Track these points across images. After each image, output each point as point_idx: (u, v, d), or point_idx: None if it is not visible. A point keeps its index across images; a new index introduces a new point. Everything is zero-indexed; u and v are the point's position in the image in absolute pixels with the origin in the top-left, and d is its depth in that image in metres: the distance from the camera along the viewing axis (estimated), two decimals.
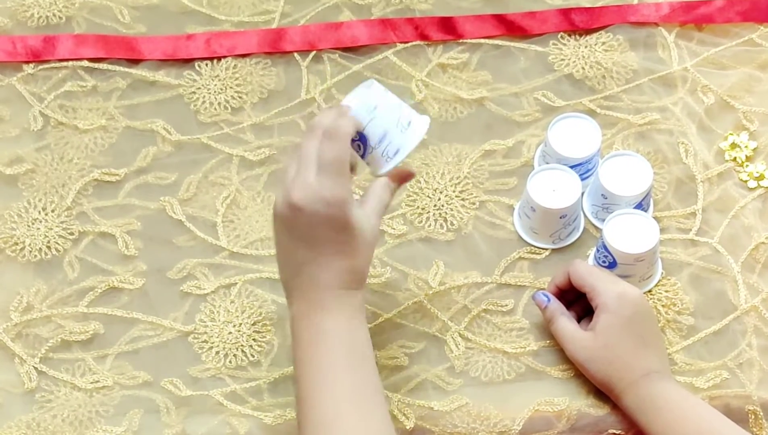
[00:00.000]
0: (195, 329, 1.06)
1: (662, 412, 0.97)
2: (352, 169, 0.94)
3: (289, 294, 0.94)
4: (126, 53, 1.21)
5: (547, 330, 1.05)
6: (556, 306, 1.04)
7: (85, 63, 1.20)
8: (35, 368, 1.04)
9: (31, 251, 1.10)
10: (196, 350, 1.05)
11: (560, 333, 1.03)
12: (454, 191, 1.14)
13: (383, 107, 0.94)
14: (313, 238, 0.91)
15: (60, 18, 1.24)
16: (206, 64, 1.21)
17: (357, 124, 0.93)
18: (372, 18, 1.24)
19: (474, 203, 1.13)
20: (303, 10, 1.25)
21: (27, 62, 1.21)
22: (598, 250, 1.06)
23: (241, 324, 1.06)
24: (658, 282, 1.08)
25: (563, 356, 1.04)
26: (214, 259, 1.10)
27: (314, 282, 0.92)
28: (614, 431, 1.01)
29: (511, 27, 1.23)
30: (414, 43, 1.22)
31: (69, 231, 1.11)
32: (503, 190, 1.14)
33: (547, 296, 1.05)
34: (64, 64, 1.21)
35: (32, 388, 1.03)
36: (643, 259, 1.04)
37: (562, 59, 1.22)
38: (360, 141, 0.95)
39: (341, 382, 0.90)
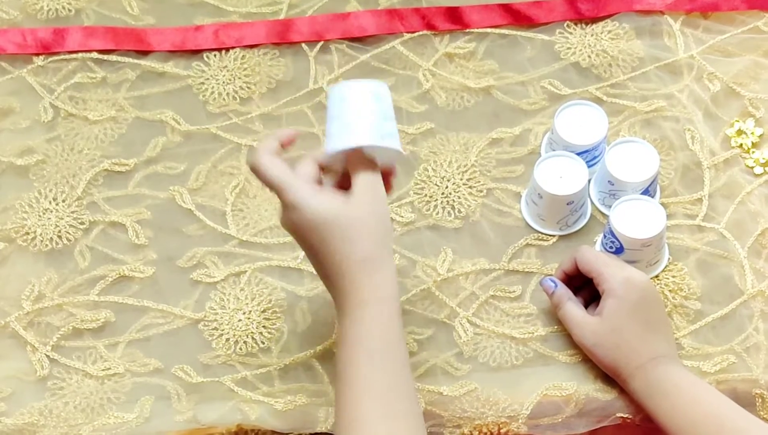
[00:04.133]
0: (205, 317, 1.07)
1: (669, 396, 0.97)
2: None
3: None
4: (135, 45, 1.22)
5: (554, 315, 1.06)
6: (564, 291, 1.04)
7: (95, 55, 1.21)
8: (47, 356, 1.05)
9: (42, 241, 1.11)
10: (206, 337, 1.06)
11: (567, 318, 1.03)
12: (461, 179, 1.14)
13: (348, 110, 0.93)
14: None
15: (69, 10, 1.25)
16: (215, 55, 1.22)
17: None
18: (379, 8, 1.24)
19: (481, 191, 1.14)
20: (310, 0, 1.25)
21: (37, 54, 1.21)
22: (605, 236, 1.07)
23: (251, 311, 1.07)
24: (665, 267, 1.09)
25: (571, 341, 1.04)
26: (224, 248, 1.10)
27: (329, 285, 0.93)
28: (622, 415, 1.02)
29: (517, 16, 1.24)
30: (421, 32, 1.23)
31: (80, 220, 1.12)
32: (510, 178, 1.14)
33: (554, 282, 1.05)
34: (74, 56, 1.21)
35: (44, 375, 1.04)
36: (649, 244, 1.05)
37: (569, 48, 1.22)
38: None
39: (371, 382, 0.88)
